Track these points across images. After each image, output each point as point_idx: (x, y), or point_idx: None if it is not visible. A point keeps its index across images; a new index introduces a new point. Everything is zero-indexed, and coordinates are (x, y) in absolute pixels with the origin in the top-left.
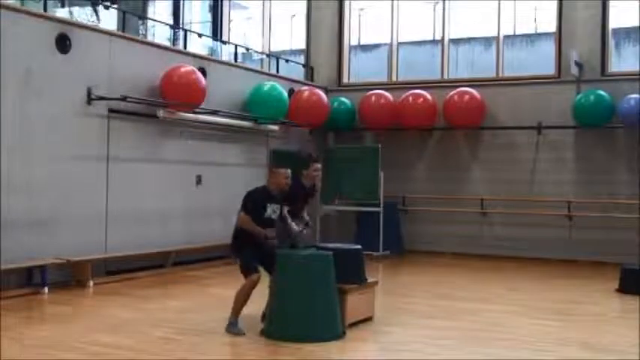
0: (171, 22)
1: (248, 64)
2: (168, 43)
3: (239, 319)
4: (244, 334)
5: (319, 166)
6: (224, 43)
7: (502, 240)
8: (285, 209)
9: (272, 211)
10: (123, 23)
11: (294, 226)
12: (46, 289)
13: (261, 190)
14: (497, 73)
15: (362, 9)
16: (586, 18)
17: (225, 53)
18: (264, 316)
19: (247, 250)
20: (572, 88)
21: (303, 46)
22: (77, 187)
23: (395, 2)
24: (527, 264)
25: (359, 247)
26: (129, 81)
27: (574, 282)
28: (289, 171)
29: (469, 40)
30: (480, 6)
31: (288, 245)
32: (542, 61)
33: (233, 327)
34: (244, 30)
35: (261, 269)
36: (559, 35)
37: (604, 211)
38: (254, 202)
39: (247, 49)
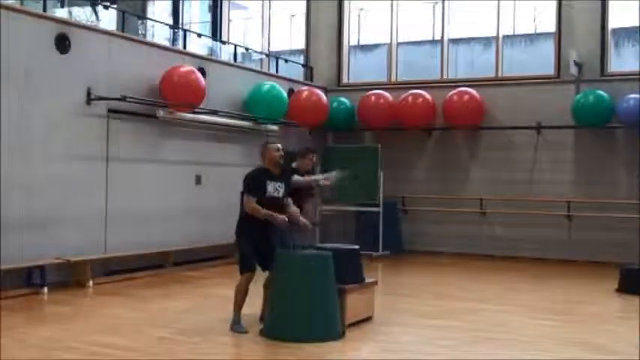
0: (170, 22)
1: (247, 64)
2: (167, 43)
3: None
4: (247, 332)
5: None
6: (223, 43)
7: (501, 240)
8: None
9: (274, 189)
10: (122, 23)
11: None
12: (45, 289)
13: (259, 169)
14: (497, 73)
15: (361, 9)
16: (586, 18)
17: (225, 53)
18: (262, 317)
19: (248, 246)
20: (571, 88)
21: (302, 46)
22: (77, 187)
23: (394, 2)
24: (527, 264)
25: (356, 247)
26: (128, 81)
27: (574, 282)
28: (280, 145)
29: (468, 40)
30: (480, 6)
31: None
32: (541, 61)
33: (236, 325)
34: (244, 30)
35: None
36: (558, 35)
37: (603, 211)
38: (254, 181)
39: (247, 49)
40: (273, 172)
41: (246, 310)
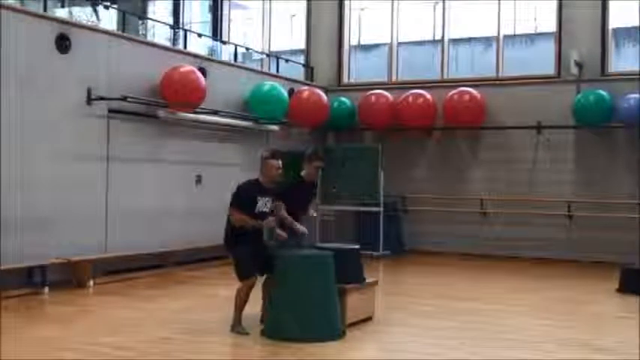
0: (171, 22)
1: (248, 64)
2: (168, 43)
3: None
4: (248, 333)
5: (320, 163)
6: (224, 43)
7: (502, 240)
8: (282, 208)
9: (263, 204)
10: (123, 23)
11: (297, 226)
12: (46, 289)
13: (252, 183)
14: (497, 72)
15: (362, 9)
16: (586, 18)
17: (225, 53)
18: (263, 318)
19: (243, 249)
20: (572, 87)
21: (303, 46)
22: (77, 187)
23: (395, 2)
24: (527, 264)
25: (357, 246)
26: (129, 81)
27: (574, 282)
28: (280, 162)
29: (469, 40)
30: (480, 6)
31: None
32: (542, 60)
33: (237, 326)
34: (244, 30)
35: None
36: (559, 35)
37: (604, 211)
38: (244, 197)
39: (247, 49)
40: (265, 187)
41: (247, 310)
